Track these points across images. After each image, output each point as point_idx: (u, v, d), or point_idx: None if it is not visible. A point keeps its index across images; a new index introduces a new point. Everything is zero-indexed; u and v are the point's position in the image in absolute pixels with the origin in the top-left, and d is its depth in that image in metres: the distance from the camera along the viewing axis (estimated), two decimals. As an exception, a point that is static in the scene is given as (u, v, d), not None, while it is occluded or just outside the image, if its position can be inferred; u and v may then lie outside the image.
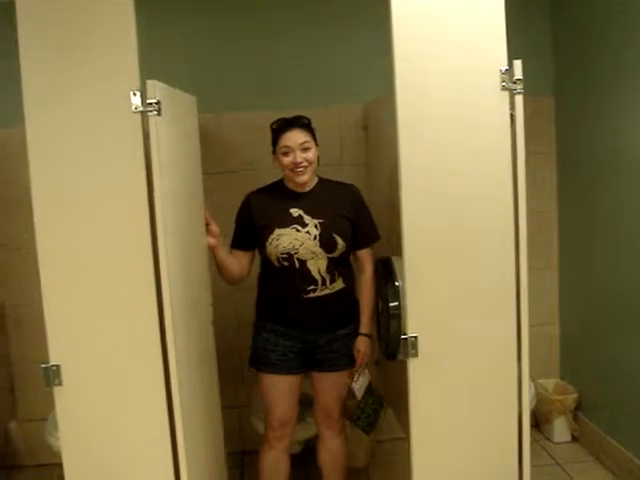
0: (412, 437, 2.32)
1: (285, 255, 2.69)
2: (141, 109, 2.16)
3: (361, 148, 3.71)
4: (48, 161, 2.18)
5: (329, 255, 2.70)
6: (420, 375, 2.29)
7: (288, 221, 2.71)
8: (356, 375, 2.81)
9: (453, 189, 2.25)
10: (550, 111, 3.85)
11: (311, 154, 2.69)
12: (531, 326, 2.32)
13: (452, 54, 2.20)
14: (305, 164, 2.67)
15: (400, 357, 2.43)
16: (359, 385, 2.83)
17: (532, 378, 2.41)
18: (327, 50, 3.70)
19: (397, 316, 2.53)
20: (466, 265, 2.29)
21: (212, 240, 2.72)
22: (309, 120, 2.74)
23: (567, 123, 3.76)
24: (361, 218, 2.82)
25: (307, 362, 2.83)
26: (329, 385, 2.87)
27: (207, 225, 2.72)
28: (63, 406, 2.26)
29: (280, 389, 2.83)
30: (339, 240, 2.70)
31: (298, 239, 2.68)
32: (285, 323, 2.78)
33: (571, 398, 3.74)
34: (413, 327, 2.27)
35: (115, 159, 2.18)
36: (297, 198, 2.76)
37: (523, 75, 2.20)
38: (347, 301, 2.83)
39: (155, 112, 2.16)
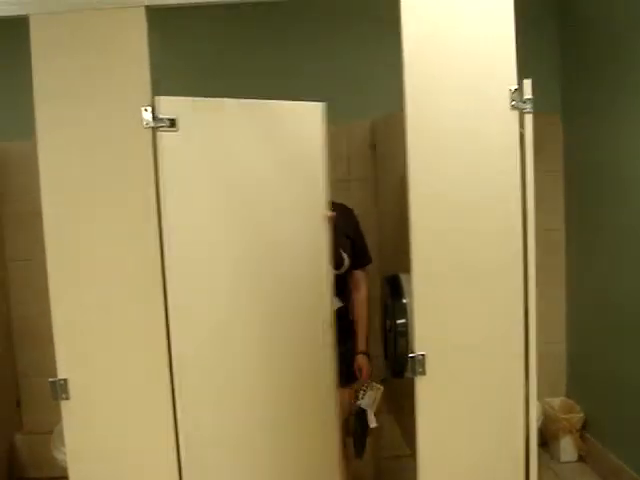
0: (419, 455, 2.31)
1: None
2: (152, 125, 2.17)
3: (369, 164, 3.72)
4: (59, 176, 2.19)
5: (336, 272, 2.70)
6: (427, 393, 2.28)
7: None
8: (361, 392, 2.81)
9: (462, 206, 2.25)
10: (557, 129, 3.86)
11: None
12: (538, 343, 2.31)
13: (462, 73, 2.21)
14: None
15: (407, 375, 2.43)
16: (366, 401, 2.82)
17: (538, 396, 2.40)
18: (336, 67, 3.72)
19: (405, 333, 2.52)
20: (474, 282, 2.29)
21: None
22: None
23: (574, 141, 3.76)
24: (358, 240, 2.95)
25: None
26: None
27: None
28: (70, 420, 2.25)
29: None
30: (345, 256, 2.77)
31: None
32: None
33: (577, 417, 3.72)
34: (421, 345, 2.26)
35: (126, 174, 2.19)
36: None
37: (532, 94, 2.20)
38: (344, 320, 2.83)
39: (166, 127, 2.17)
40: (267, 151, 2.45)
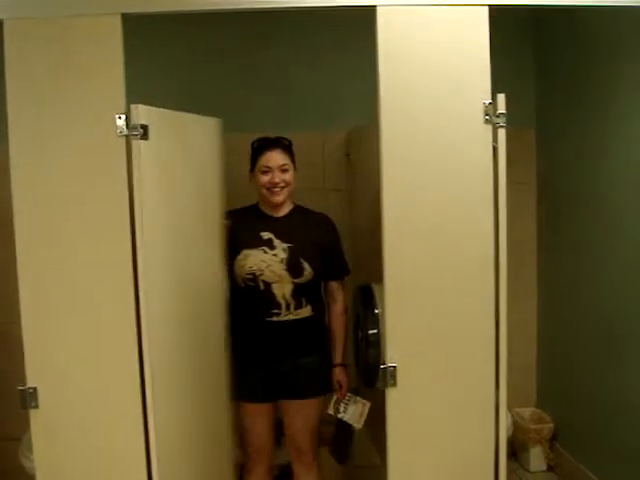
0: (389, 466, 2.32)
1: (250, 276, 2.70)
2: (126, 133, 2.16)
3: (343, 175, 3.72)
4: (31, 182, 2.18)
5: (295, 280, 2.71)
6: (398, 404, 2.29)
7: (257, 243, 2.72)
8: (342, 405, 2.82)
9: (435, 218, 2.27)
10: (531, 142, 3.89)
11: (289, 176, 2.72)
12: (509, 354, 2.32)
13: (437, 87, 2.23)
14: (282, 184, 2.70)
15: (379, 386, 2.43)
16: (349, 415, 2.83)
17: (509, 407, 2.42)
18: (312, 76, 3.72)
19: (376, 344, 2.52)
20: (446, 294, 2.30)
21: None
22: (290, 142, 2.77)
23: (547, 154, 3.80)
24: (333, 250, 2.87)
25: (274, 391, 2.81)
26: (296, 414, 2.85)
27: None
28: (38, 429, 2.23)
29: (250, 417, 2.84)
30: (306, 266, 2.71)
31: (264, 260, 2.69)
32: (248, 350, 2.79)
33: (547, 427, 3.75)
34: (392, 356, 2.27)
35: (99, 182, 2.18)
36: (270, 222, 2.79)
37: (506, 108, 2.22)
38: (314, 329, 2.83)
39: (139, 135, 2.16)
40: (187, 164, 2.58)
